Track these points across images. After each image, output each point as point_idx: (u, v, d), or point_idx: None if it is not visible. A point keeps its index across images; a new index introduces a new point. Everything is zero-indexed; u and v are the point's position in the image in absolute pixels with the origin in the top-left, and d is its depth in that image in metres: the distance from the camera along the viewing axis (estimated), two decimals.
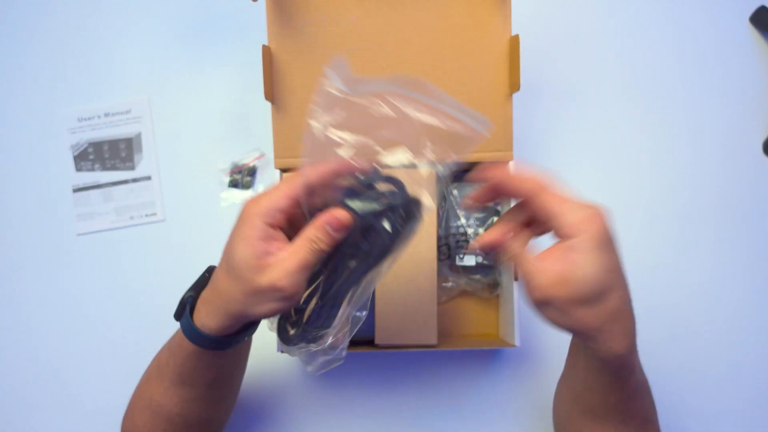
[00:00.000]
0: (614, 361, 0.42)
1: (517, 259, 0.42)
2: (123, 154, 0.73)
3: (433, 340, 0.61)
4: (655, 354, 0.69)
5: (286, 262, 0.40)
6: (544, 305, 0.40)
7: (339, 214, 0.41)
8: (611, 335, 0.40)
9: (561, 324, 0.41)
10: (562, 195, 0.40)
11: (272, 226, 0.41)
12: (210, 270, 0.49)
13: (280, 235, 0.42)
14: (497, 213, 0.68)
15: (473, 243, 0.43)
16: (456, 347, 0.66)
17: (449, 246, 0.67)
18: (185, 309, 0.46)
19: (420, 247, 0.61)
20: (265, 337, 0.70)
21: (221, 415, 0.57)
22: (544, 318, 0.41)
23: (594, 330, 0.40)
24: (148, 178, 0.73)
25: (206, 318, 0.45)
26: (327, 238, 0.41)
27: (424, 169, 0.49)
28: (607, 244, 0.39)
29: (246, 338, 0.48)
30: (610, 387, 0.45)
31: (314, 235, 0.41)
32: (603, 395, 0.46)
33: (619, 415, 0.46)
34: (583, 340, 0.42)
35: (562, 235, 0.39)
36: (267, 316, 0.43)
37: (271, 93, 0.61)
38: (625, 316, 0.41)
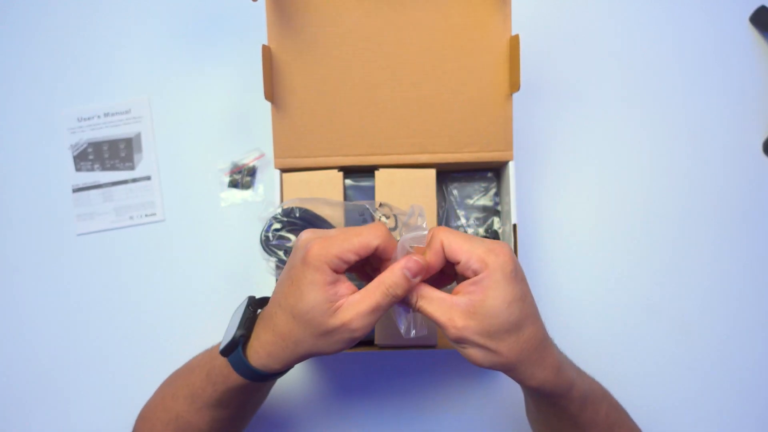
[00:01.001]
0: (542, 388, 0.43)
1: (424, 300, 0.41)
2: (123, 154, 0.73)
3: (433, 341, 0.61)
4: (655, 354, 0.69)
5: (360, 305, 0.41)
6: (460, 343, 0.41)
7: (416, 259, 0.41)
8: (530, 366, 0.41)
9: (480, 361, 0.41)
10: (459, 236, 0.42)
11: (337, 271, 0.41)
12: (253, 304, 0.48)
13: (344, 277, 0.42)
14: (497, 213, 0.68)
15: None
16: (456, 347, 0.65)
17: None
18: (237, 347, 0.45)
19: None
20: None
21: (243, 429, 0.58)
22: (466, 357, 0.42)
23: (511, 363, 0.41)
24: (148, 178, 0.73)
25: (267, 359, 0.44)
26: (404, 283, 0.41)
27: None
28: (512, 275, 0.40)
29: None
30: (555, 407, 0.46)
31: (391, 281, 0.41)
32: (553, 415, 0.47)
33: (579, 429, 0.47)
34: (508, 374, 0.43)
35: (467, 274, 0.40)
36: (334, 353, 0.43)
37: (271, 93, 0.61)
38: (541, 346, 0.42)
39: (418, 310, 0.42)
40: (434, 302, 0.41)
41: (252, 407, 0.56)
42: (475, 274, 0.40)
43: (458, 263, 0.41)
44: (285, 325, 0.43)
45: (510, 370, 0.42)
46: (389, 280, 0.41)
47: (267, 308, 0.45)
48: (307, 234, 0.43)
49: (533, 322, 0.41)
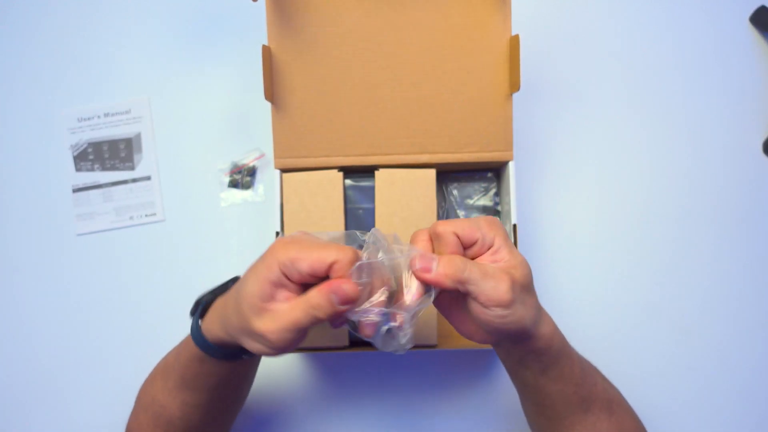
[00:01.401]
0: (550, 346, 0.45)
1: (470, 274, 0.41)
2: (123, 154, 0.73)
3: (433, 340, 0.61)
4: (655, 354, 0.69)
5: (282, 317, 0.40)
6: (511, 304, 0.41)
7: (347, 286, 0.39)
8: (540, 322, 0.44)
9: (527, 320, 0.42)
10: (464, 222, 0.43)
11: (287, 276, 0.41)
12: (234, 280, 0.50)
13: (293, 286, 0.41)
14: (497, 213, 0.68)
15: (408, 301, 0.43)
16: (456, 347, 0.65)
17: None
18: (197, 309, 0.48)
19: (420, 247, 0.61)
20: None
21: (222, 427, 0.57)
22: (511, 325, 0.42)
23: (534, 318, 0.43)
24: (148, 178, 0.73)
25: (211, 325, 0.46)
26: (328, 307, 0.39)
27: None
28: (531, 286, 0.44)
29: (245, 358, 0.49)
30: (558, 380, 0.47)
31: (315, 301, 0.39)
32: (557, 391, 0.47)
33: (582, 404, 0.48)
34: (521, 340, 0.44)
35: (482, 250, 0.43)
36: (255, 354, 0.44)
37: (271, 93, 0.61)
38: (543, 323, 0.45)
39: (468, 294, 0.41)
40: (487, 276, 0.41)
41: (224, 403, 0.54)
42: (490, 246, 0.43)
43: (476, 242, 0.43)
44: (230, 300, 0.44)
45: (532, 326, 0.43)
46: (314, 300, 0.39)
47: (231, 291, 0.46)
48: (293, 233, 0.44)
49: (539, 321, 0.45)
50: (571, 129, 0.72)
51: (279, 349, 0.41)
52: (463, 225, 0.43)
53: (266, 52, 0.60)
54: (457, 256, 0.42)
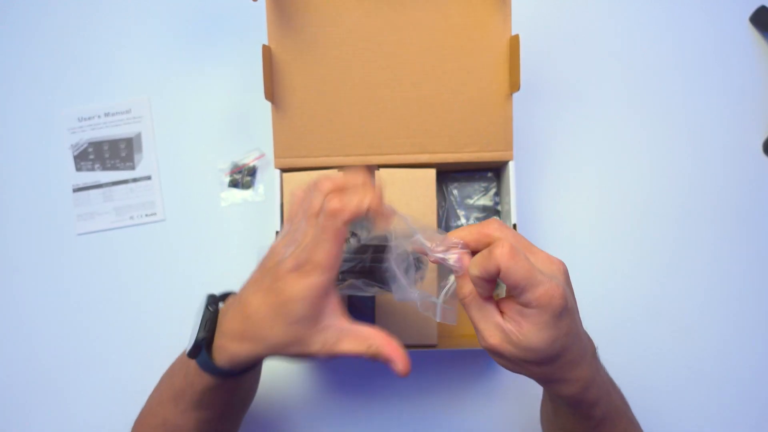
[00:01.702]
0: (569, 400, 0.43)
1: (470, 302, 0.40)
2: (123, 154, 0.73)
3: (433, 340, 0.61)
4: (655, 353, 0.69)
5: (342, 344, 0.41)
6: (495, 353, 0.41)
7: (399, 364, 0.41)
8: (560, 384, 0.41)
9: (511, 370, 0.41)
10: (521, 267, 0.37)
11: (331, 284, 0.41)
12: (213, 303, 0.48)
13: (334, 291, 0.42)
14: (497, 213, 0.68)
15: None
16: (456, 347, 0.65)
17: None
18: (201, 350, 0.45)
19: None
20: None
21: (235, 427, 0.58)
22: (495, 361, 0.42)
23: (542, 382, 0.42)
24: (148, 178, 0.73)
25: (232, 359, 0.44)
26: (388, 350, 0.42)
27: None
28: (560, 316, 0.38)
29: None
30: (573, 417, 0.46)
31: (379, 342, 0.42)
32: (569, 423, 0.47)
33: None
34: (536, 375, 0.42)
35: (522, 301, 0.38)
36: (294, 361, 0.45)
37: (271, 93, 0.61)
38: (574, 367, 0.41)
39: (463, 304, 0.41)
40: (482, 311, 0.40)
41: (239, 405, 0.55)
42: (524, 306, 0.38)
43: (512, 289, 0.38)
44: (260, 328, 0.42)
45: (538, 381, 0.42)
46: (376, 341, 0.42)
47: (239, 306, 0.44)
48: (287, 240, 0.43)
49: (571, 351, 0.40)
50: (571, 129, 0.72)
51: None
52: (516, 267, 0.37)
53: (266, 51, 0.60)
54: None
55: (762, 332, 0.69)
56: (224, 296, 0.49)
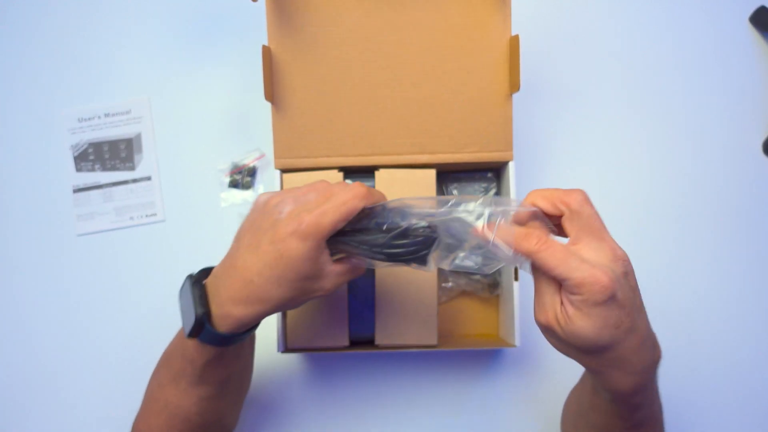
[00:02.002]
0: (616, 396, 0.42)
1: (542, 260, 0.39)
2: (123, 155, 0.73)
3: (433, 340, 0.61)
4: None
5: (340, 278, 0.46)
6: (545, 330, 0.41)
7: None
8: (611, 378, 0.41)
9: (561, 352, 0.41)
10: (563, 253, 0.38)
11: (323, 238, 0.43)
12: (197, 281, 0.48)
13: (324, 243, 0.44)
14: None
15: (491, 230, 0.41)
16: (456, 347, 0.66)
17: None
18: (204, 325, 0.46)
19: None
20: (265, 338, 0.70)
21: (234, 412, 0.58)
22: (548, 340, 0.42)
23: (592, 371, 0.42)
24: (148, 178, 0.73)
25: (238, 323, 0.45)
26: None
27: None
28: (604, 305, 0.37)
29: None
30: (613, 415, 0.45)
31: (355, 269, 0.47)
32: (606, 420, 0.46)
33: None
34: (588, 365, 0.42)
35: (565, 287, 0.38)
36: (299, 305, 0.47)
37: (271, 93, 0.61)
38: (630, 361, 0.40)
39: (534, 259, 0.39)
40: (545, 281, 0.39)
41: (238, 382, 0.55)
42: (569, 292, 0.38)
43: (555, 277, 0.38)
44: (266, 290, 0.44)
45: (590, 372, 0.43)
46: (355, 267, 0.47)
47: (235, 272, 0.45)
48: (281, 199, 0.45)
49: (626, 343, 0.39)
50: (571, 129, 0.72)
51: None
52: (563, 260, 0.38)
53: (266, 52, 0.60)
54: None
55: (762, 332, 0.69)
56: (202, 272, 0.50)
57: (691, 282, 0.70)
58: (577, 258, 0.38)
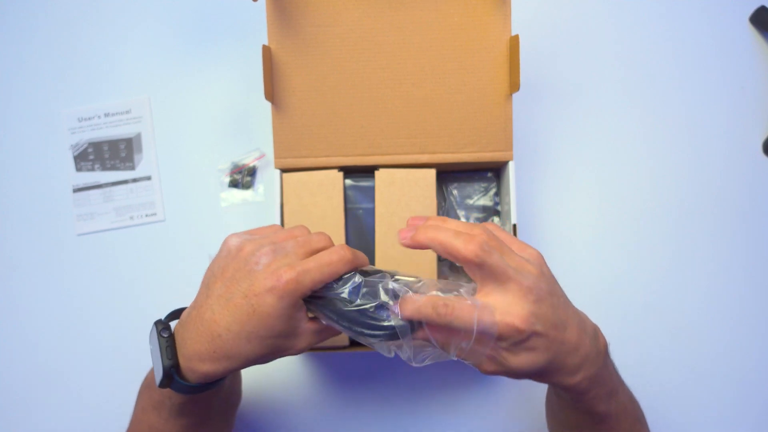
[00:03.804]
0: (573, 394, 0.43)
1: (455, 325, 0.39)
2: (123, 154, 0.73)
3: None
4: (654, 354, 0.69)
5: (314, 337, 0.44)
6: (492, 374, 0.42)
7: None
8: (561, 381, 0.42)
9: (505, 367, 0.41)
10: (469, 310, 0.39)
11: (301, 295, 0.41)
12: (165, 328, 0.45)
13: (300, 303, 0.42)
14: (497, 213, 0.68)
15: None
16: None
17: None
18: (173, 378, 0.43)
19: None
20: None
21: (226, 426, 0.57)
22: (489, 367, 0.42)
23: (542, 382, 0.43)
24: (148, 178, 0.73)
25: (211, 368, 0.42)
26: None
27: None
28: (531, 337, 0.38)
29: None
30: (578, 411, 0.46)
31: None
32: (575, 417, 0.47)
33: None
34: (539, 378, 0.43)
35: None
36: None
37: (271, 93, 0.61)
38: (571, 362, 0.41)
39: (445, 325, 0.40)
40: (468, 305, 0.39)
41: (224, 408, 0.54)
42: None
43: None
44: (234, 346, 0.41)
45: (536, 379, 0.43)
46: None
47: (202, 325, 0.42)
48: (256, 247, 0.42)
49: (558, 355, 0.40)
50: (571, 129, 0.72)
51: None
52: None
53: (266, 52, 0.60)
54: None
55: (762, 332, 0.69)
56: (172, 315, 0.48)
57: (690, 282, 0.70)
58: (488, 310, 0.38)
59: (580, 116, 0.73)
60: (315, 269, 0.41)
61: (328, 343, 0.61)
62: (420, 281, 0.42)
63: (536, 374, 0.41)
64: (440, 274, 0.67)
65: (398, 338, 0.41)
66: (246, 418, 0.69)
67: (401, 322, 0.41)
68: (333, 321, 0.43)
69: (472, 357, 0.40)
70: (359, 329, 0.42)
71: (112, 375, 0.70)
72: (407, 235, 0.42)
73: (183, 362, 0.43)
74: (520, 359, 0.39)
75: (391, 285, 0.42)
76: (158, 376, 0.44)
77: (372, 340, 0.42)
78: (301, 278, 0.40)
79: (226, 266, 0.43)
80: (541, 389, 0.68)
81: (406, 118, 0.62)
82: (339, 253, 0.42)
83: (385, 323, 0.41)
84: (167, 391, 0.45)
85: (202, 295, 0.44)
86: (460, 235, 0.39)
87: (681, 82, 0.73)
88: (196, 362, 0.42)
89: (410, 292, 0.41)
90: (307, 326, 0.43)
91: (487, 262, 0.38)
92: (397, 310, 0.41)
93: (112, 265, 0.72)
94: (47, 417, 0.70)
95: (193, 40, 0.75)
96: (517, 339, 0.38)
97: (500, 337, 0.38)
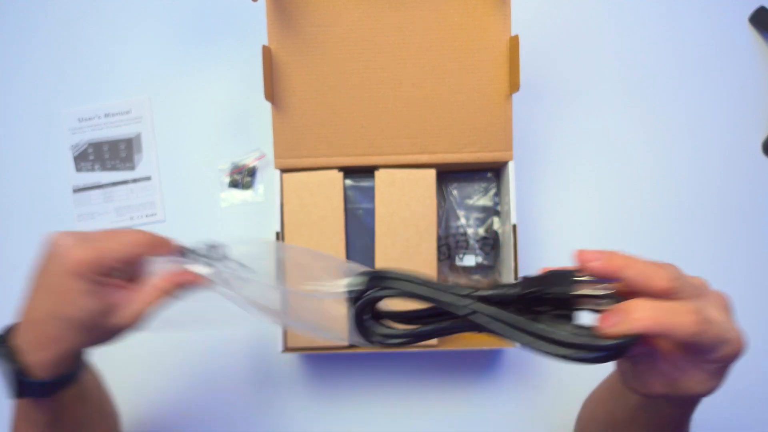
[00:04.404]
0: (694, 404, 0.41)
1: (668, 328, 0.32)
2: (123, 155, 0.73)
3: (433, 341, 0.61)
4: None
5: (135, 305, 0.45)
6: (648, 395, 0.37)
7: (192, 278, 0.47)
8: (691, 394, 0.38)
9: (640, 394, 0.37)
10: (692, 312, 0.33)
11: (104, 275, 0.43)
12: (5, 334, 0.46)
13: (110, 278, 0.44)
14: (497, 213, 0.68)
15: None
16: (456, 347, 0.65)
17: (449, 246, 0.67)
18: (23, 381, 0.44)
19: (420, 247, 0.61)
20: (266, 338, 0.70)
21: None
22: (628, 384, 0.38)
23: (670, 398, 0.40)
24: (148, 178, 0.73)
25: (45, 355, 0.43)
26: (174, 289, 0.46)
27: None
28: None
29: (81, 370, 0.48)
30: (662, 421, 0.44)
31: (166, 287, 0.46)
32: (653, 428, 0.45)
33: None
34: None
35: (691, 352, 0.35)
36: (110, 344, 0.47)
37: (271, 93, 0.61)
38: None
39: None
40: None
41: (97, 422, 0.53)
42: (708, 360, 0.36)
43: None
44: (54, 330, 0.43)
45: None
46: (160, 284, 0.46)
47: (23, 317, 0.45)
48: (62, 235, 0.43)
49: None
50: (571, 129, 0.73)
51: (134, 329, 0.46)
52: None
53: (266, 52, 0.60)
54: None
55: (762, 332, 0.69)
56: (8, 329, 0.48)
57: None
58: (706, 318, 0.33)
59: (580, 116, 0.73)
60: (108, 247, 0.43)
61: (328, 343, 0.61)
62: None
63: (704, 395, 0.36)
64: (440, 274, 0.67)
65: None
66: (246, 418, 0.69)
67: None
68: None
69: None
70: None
71: (111, 375, 0.70)
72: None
73: (26, 361, 0.44)
74: (714, 381, 0.36)
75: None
76: (10, 387, 0.44)
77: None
78: (94, 254, 0.41)
79: (39, 259, 0.45)
80: (542, 390, 0.68)
81: (406, 118, 0.62)
82: (135, 234, 0.45)
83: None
84: (33, 416, 0.46)
85: (26, 292, 0.46)
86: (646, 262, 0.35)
87: (681, 82, 0.73)
88: (32, 355, 0.43)
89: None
90: (126, 298, 0.44)
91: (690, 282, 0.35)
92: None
93: None
94: None
95: (193, 40, 0.75)
96: (733, 357, 0.36)
97: (719, 354, 0.35)
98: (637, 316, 0.31)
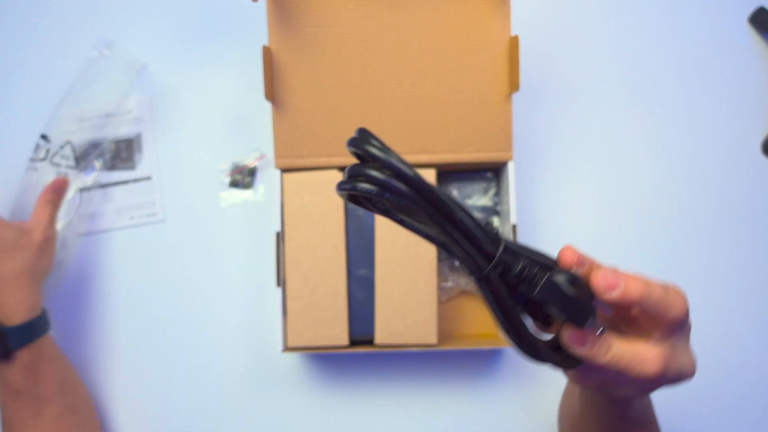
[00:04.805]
0: (632, 399, 0.42)
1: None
2: (123, 155, 0.73)
3: (433, 340, 0.61)
4: None
5: (41, 219, 0.63)
6: (651, 384, 0.37)
7: (59, 181, 0.66)
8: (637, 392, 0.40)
9: (624, 395, 0.39)
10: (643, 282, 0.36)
11: None
12: None
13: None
14: (497, 213, 0.68)
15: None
16: (456, 347, 0.66)
17: None
18: (5, 332, 0.57)
19: (420, 247, 0.61)
20: (266, 338, 0.70)
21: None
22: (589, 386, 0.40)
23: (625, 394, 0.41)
24: (149, 178, 0.73)
25: (24, 301, 0.59)
26: (57, 197, 0.66)
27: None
28: (686, 320, 0.38)
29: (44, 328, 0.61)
30: (604, 417, 0.45)
31: (48, 198, 0.65)
32: (597, 423, 0.46)
33: None
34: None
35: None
36: (51, 261, 0.65)
37: (272, 93, 0.61)
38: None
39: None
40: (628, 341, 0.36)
41: (76, 388, 0.64)
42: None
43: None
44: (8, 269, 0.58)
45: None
46: (47, 198, 0.65)
47: None
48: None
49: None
50: (571, 129, 0.73)
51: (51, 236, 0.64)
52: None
53: (266, 52, 0.60)
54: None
55: (762, 332, 0.69)
56: None
57: (689, 281, 0.70)
58: (646, 283, 0.36)
59: (579, 116, 0.73)
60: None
61: (328, 342, 0.61)
62: None
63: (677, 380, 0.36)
64: (440, 274, 0.68)
65: None
66: (247, 418, 0.69)
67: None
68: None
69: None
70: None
71: (111, 375, 0.70)
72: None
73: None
74: (687, 353, 0.36)
75: None
76: None
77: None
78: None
79: None
80: (542, 390, 0.68)
81: (406, 118, 0.62)
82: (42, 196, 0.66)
83: None
84: (17, 382, 0.56)
85: None
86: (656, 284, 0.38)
87: (680, 82, 0.73)
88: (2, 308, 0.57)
89: None
90: (31, 221, 0.63)
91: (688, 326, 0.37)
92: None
93: (112, 265, 0.72)
94: None
95: (193, 40, 0.75)
96: (681, 318, 0.36)
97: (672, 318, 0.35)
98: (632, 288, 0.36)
